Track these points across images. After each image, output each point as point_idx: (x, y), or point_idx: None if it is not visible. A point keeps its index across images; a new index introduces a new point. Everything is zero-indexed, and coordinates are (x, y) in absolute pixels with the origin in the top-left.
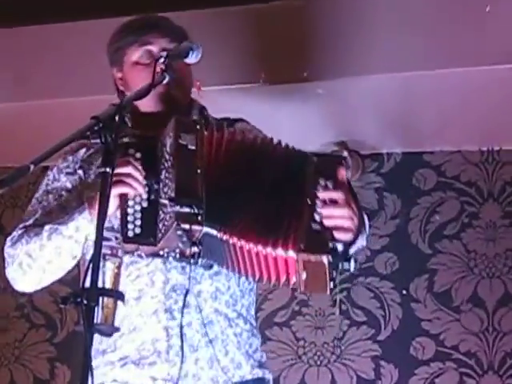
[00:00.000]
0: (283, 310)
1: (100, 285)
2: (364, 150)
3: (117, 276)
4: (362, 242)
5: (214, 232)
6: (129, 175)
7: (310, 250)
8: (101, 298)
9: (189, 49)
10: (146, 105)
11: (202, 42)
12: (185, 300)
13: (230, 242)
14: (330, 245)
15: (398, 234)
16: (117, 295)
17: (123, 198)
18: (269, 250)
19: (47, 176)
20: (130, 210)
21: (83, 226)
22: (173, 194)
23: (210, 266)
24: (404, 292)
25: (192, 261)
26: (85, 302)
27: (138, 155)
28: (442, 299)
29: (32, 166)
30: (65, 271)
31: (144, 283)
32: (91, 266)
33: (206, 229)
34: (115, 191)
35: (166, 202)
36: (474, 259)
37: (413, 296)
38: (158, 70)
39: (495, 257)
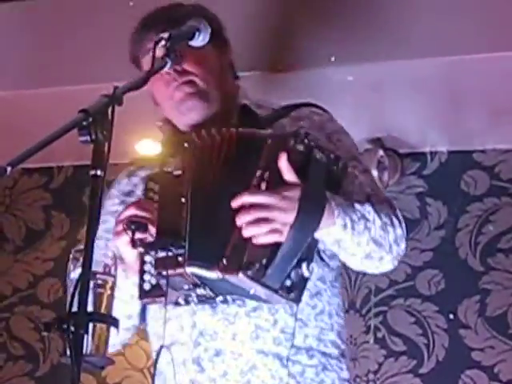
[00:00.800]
0: None
1: (90, 309)
2: (403, 148)
3: (109, 298)
4: (339, 234)
5: (197, 271)
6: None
7: (228, 267)
8: (91, 324)
9: (194, 29)
10: (181, 122)
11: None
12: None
13: (212, 277)
14: (259, 255)
15: (444, 247)
16: (110, 321)
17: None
18: (213, 275)
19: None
20: (147, 258)
21: (119, 283)
22: (154, 238)
23: (244, 301)
24: (451, 316)
25: (220, 298)
26: (72, 328)
27: (156, 188)
28: (497, 325)
29: (9, 168)
30: (129, 332)
31: (174, 328)
32: (79, 286)
33: (190, 269)
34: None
35: (142, 249)
36: None
37: (461, 321)
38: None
39: None
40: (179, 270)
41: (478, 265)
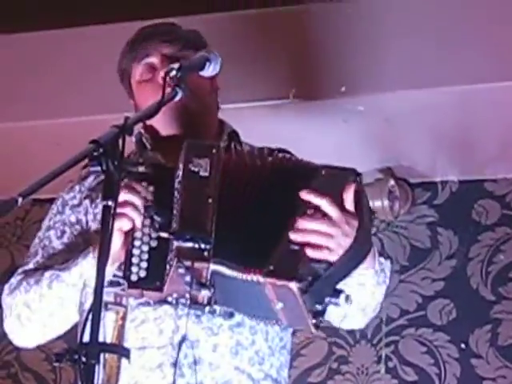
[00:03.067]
0: (319, 367)
1: (101, 339)
2: (414, 177)
3: (121, 328)
4: (369, 279)
5: (223, 270)
6: (126, 203)
7: (276, 273)
8: (102, 355)
9: (205, 59)
10: (166, 128)
11: (220, 51)
12: (190, 356)
13: (239, 278)
14: (308, 269)
15: (455, 277)
16: (121, 351)
17: (128, 235)
18: (246, 276)
19: (51, 210)
20: (135, 251)
21: (87, 272)
22: (176, 227)
23: (231, 315)
24: (463, 346)
25: (208, 308)
26: (83, 359)
27: (151, 189)
28: (508, 354)
29: (20, 199)
30: (70, 325)
31: (149, 331)
32: (91, 316)
33: (213, 266)
34: (115, 226)
35: (166, 235)
36: None
37: (473, 350)
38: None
39: None
40: (203, 265)
41: (489, 294)
